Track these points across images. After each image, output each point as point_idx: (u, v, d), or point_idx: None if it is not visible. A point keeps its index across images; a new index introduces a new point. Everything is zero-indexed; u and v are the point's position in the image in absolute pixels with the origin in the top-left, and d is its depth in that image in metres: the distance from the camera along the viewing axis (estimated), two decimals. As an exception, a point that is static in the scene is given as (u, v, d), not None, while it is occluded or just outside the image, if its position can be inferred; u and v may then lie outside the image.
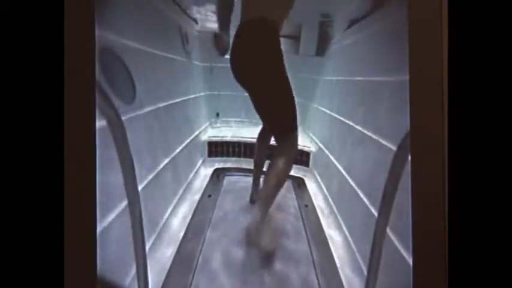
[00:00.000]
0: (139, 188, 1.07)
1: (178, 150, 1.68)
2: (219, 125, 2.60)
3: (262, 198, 1.31)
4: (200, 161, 2.16)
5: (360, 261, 1.15)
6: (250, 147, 2.14)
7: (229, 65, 1.34)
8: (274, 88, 1.28)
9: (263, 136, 1.66)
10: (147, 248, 1.08)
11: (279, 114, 1.32)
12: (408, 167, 0.76)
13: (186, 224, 1.49)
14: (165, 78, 1.60)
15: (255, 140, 1.68)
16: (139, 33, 1.20)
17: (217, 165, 2.23)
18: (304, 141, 2.20)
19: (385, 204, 0.97)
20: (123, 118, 0.96)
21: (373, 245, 1.03)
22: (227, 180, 2.05)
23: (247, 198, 1.74)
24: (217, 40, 1.49)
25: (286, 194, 1.85)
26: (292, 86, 1.30)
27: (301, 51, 2.26)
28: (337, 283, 1.17)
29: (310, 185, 1.99)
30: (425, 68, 0.75)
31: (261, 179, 1.71)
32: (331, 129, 1.88)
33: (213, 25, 2.07)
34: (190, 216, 1.56)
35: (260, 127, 1.64)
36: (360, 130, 1.40)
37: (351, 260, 1.26)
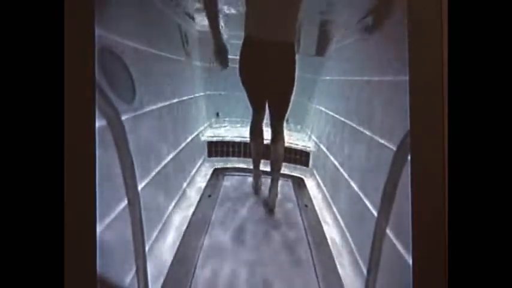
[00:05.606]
0: (139, 187, 1.07)
1: (178, 150, 1.68)
2: (219, 125, 2.59)
3: (275, 178, 1.66)
4: (200, 161, 2.16)
5: (360, 261, 1.15)
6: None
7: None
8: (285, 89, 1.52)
9: (258, 131, 1.73)
10: (146, 247, 1.08)
11: (283, 106, 1.58)
12: (408, 167, 0.76)
13: (187, 222, 1.50)
14: (165, 78, 1.59)
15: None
16: (139, 33, 1.20)
17: (216, 165, 2.23)
18: (304, 141, 2.19)
19: (385, 204, 0.97)
20: (122, 118, 0.96)
21: (373, 245, 1.03)
22: (226, 180, 2.05)
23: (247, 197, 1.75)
24: (217, 50, 1.52)
25: (285, 193, 1.85)
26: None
27: (301, 51, 2.25)
28: (337, 283, 1.17)
29: (310, 185, 1.99)
30: (425, 68, 0.75)
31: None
32: (331, 129, 1.88)
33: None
34: (190, 215, 1.57)
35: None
36: (359, 130, 1.40)
37: (351, 260, 1.26)
